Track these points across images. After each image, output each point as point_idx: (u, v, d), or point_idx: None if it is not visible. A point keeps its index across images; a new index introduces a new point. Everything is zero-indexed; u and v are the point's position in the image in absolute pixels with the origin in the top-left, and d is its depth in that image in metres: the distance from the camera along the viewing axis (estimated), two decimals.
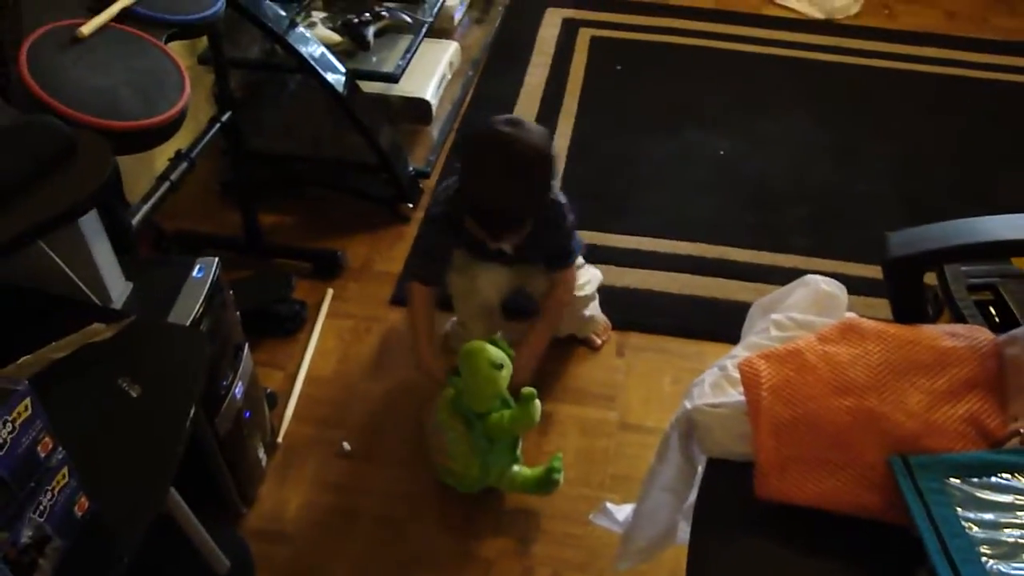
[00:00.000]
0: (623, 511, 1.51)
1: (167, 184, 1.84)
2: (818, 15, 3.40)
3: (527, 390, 1.67)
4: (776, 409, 1.10)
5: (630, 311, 2.20)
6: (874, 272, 2.27)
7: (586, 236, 2.31)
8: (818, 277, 1.28)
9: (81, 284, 1.30)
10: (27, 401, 0.87)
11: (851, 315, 1.23)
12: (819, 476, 1.07)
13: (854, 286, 1.40)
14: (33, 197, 1.14)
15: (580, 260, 1.98)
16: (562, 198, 1.83)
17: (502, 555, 1.72)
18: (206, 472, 1.68)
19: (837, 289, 1.26)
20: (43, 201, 1.13)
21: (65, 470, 0.93)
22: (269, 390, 1.94)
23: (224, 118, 2.01)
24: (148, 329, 1.22)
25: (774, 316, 1.25)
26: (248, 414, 1.74)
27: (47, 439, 0.90)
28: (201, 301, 1.53)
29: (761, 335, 1.23)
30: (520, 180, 1.66)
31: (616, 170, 2.65)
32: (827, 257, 2.36)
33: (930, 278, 1.57)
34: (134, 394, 1.08)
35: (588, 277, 2.01)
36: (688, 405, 1.19)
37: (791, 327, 1.22)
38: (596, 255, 2.19)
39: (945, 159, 2.74)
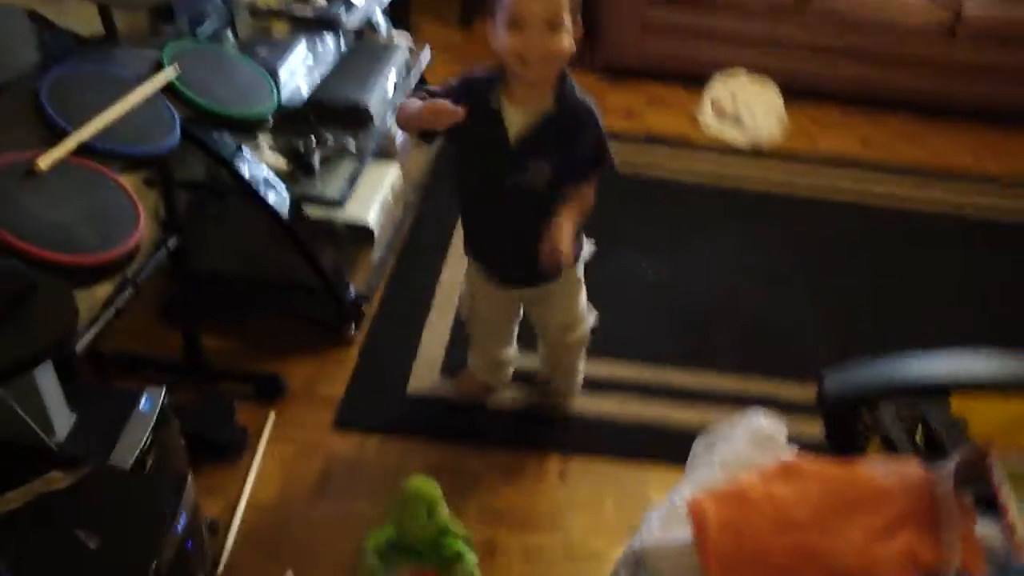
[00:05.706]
0: None
1: (111, 311, 1.84)
2: (744, 146, 3.61)
3: (454, 549, 1.69)
4: (724, 547, 1.14)
5: (572, 435, 2.24)
6: (805, 393, 2.36)
7: (523, 359, 2.35)
8: (760, 415, 1.34)
9: (33, 425, 1.28)
10: None
11: (790, 454, 1.28)
12: None
13: (787, 408, 1.55)
14: None
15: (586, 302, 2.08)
16: (590, 102, 1.72)
17: None
18: None
19: (776, 428, 1.32)
20: (3, 349, 1.12)
21: None
22: (210, 518, 1.91)
23: (170, 243, 2.02)
24: (104, 476, 1.21)
25: (718, 453, 1.30)
26: (190, 544, 1.71)
27: None
28: (147, 435, 1.51)
29: (706, 471, 1.28)
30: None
31: None
32: (759, 378, 2.45)
33: None
34: (92, 546, 1.07)
35: (593, 314, 2.11)
36: (638, 543, 1.22)
37: (734, 465, 1.27)
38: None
39: (864, 285, 2.89)
